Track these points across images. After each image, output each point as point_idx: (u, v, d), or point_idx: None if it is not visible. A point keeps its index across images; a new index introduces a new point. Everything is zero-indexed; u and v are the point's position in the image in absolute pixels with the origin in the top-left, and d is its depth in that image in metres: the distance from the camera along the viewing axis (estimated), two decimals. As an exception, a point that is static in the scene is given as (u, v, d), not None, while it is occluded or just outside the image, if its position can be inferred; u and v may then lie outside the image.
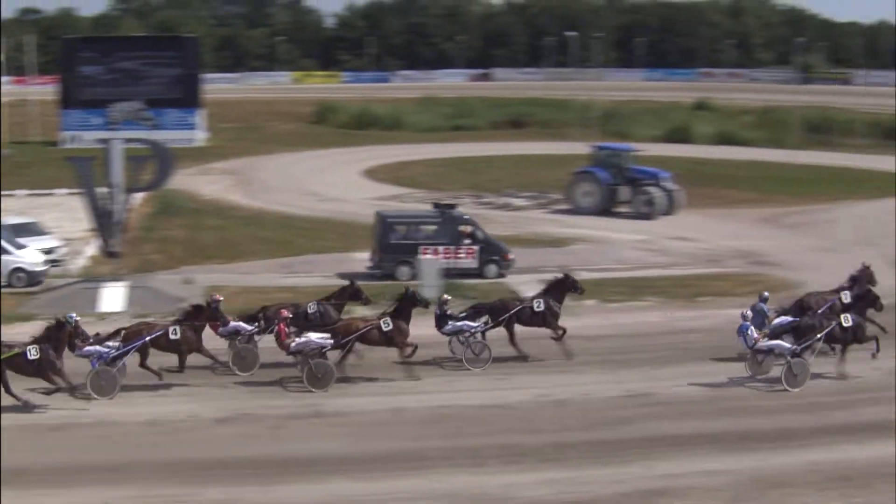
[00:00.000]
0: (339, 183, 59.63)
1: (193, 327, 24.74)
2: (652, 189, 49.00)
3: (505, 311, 26.80)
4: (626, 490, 19.04)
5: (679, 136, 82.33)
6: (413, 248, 35.50)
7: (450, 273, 33.99)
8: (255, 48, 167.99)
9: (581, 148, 57.44)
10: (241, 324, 26.18)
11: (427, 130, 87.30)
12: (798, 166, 66.88)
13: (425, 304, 26.37)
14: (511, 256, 36.60)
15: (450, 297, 27.50)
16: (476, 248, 36.21)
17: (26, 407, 22.71)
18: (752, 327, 24.92)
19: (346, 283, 28.83)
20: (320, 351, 24.49)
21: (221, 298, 26.02)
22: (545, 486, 19.18)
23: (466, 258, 36.07)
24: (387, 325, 25.19)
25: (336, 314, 27.06)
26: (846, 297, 27.65)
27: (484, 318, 26.76)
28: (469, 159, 70.25)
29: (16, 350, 22.76)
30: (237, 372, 25.32)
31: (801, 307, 27.14)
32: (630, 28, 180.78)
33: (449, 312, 26.66)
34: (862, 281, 28.58)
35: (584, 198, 50.33)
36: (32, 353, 22.74)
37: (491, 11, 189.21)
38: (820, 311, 26.40)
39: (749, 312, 25.21)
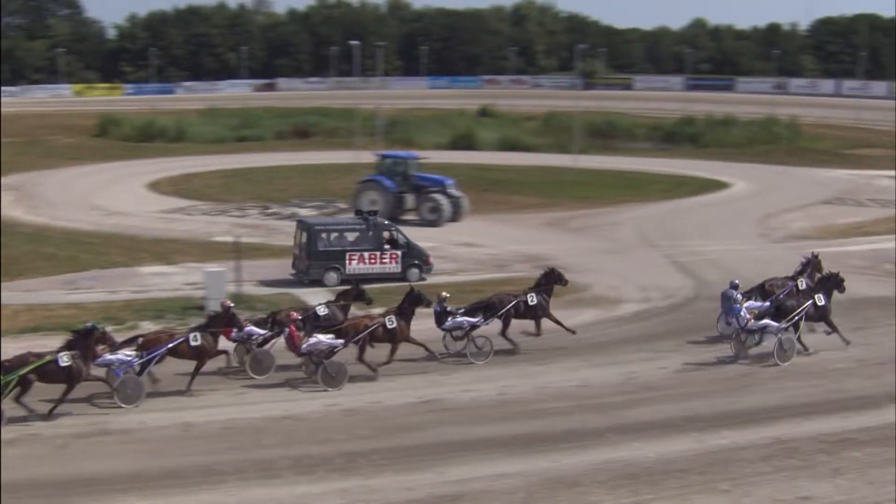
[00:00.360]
0: (123, 197, 58.32)
1: (212, 334, 25.49)
2: (437, 196, 49.89)
3: (502, 307, 28.70)
4: (419, 497, 19.31)
5: (464, 142, 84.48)
6: (340, 254, 37.15)
7: (374, 278, 35.96)
8: (34, 60, 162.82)
9: (366, 157, 58.14)
10: (255, 328, 26.91)
11: (212, 142, 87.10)
12: (581, 170, 69.29)
13: (427, 303, 27.78)
14: (431, 261, 38.41)
15: (448, 295, 28.86)
16: (399, 253, 37.85)
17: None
18: (745, 309, 28.20)
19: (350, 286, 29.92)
20: (332, 351, 25.64)
21: (233, 304, 26.51)
22: (337, 495, 19.26)
23: (390, 263, 37.76)
24: (391, 322, 26.72)
25: (342, 315, 28.07)
26: (802, 283, 30.87)
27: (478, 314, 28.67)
28: (255, 170, 70.24)
29: (48, 358, 23.07)
30: (253, 375, 26.14)
31: (763, 292, 30.40)
32: (414, 36, 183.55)
33: (448, 309, 28.31)
34: (812, 268, 31.84)
35: (369, 206, 50.49)
36: (64, 360, 23.10)
37: (274, 21, 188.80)
38: (781, 294, 29.87)
39: (731, 292, 28.57)
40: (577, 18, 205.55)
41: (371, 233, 37.87)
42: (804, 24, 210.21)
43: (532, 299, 29.20)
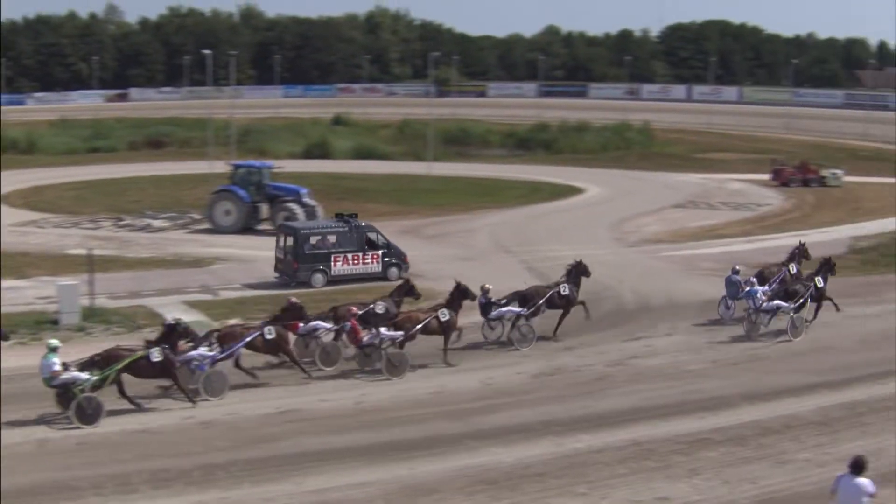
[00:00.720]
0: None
1: (284, 327, 27.18)
2: (292, 205, 49.57)
3: (539, 297, 31.20)
4: (277, 508, 19.28)
5: (318, 151, 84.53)
6: (326, 256, 39.09)
7: (357, 278, 38.81)
8: None
9: (220, 166, 57.54)
10: (320, 323, 28.64)
11: (64, 153, 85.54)
12: (436, 178, 69.67)
13: (472, 296, 29.94)
14: (408, 260, 40.52)
15: (491, 287, 30.98)
16: (379, 253, 39.89)
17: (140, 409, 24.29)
18: (761, 290, 31.76)
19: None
20: (394, 342, 27.67)
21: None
22: (193, 508, 19.12)
23: (372, 263, 39.82)
24: (444, 315, 28.80)
25: (396, 309, 30.18)
26: (794, 268, 34.93)
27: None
28: (108, 181, 69.17)
29: (139, 353, 24.39)
30: (323, 367, 27.73)
31: (762, 277, 33.74)
32: (267, 45, 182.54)
33: (493, 300, 30.71)
34: (800, 255, 36.05)
35: (224, 217, 50.35)
36: (156, 356, 24.43)
37: (125, 30, 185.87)
38: (776, 280, 33.71)
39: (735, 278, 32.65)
40: (431, 26, 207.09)
41: (353, 235, 39.82)
42: (656, 30, 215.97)
43: (564, 289, 31.84)
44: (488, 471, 20.85)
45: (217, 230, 49.95)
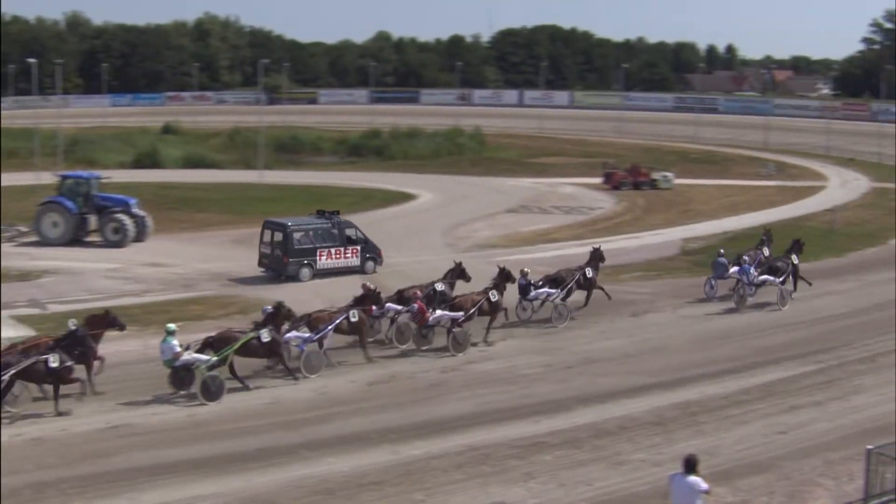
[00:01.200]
0: None
1: (364, 311, 30.18)
2: (121, 216, 48.74)
3: (571, 278, 35.27)
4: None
5: (147, 161, 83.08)
6: (312, 251, 41.49)
7: (339, 271, 41.42)
8: None
9: (47, 178, 56.03)
10: (393, 305, 31.92)
11: None
12: (268, 186, 69.12)
13: (513, 279, 33.32)
14: (383, 254, 43.38)
15: (528, 270, 35.38)
16: (358, 248, 42.49)
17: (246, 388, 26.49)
18: (752, 267, 37.46)
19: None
20: (457, 322, 30.89)
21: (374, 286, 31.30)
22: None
23: (352, 257, 42.33)
24: (494, 296, 32.05)
25: (451, 291, 33.44)
26: (766, 251, 40.36)
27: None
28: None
29: (251, 334, 26.99)
30: (397, 345, 31.11)
31: (739, 259, 38.61)
32: (94, 53, 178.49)
33: (532, 282, 34.52)
34: (769, 240, 41.52)
35: (51, 229, 49.21)
36: (266, 337, 27.15)
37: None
38: (756, 262, 38.67)
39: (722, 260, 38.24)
40: (261, 33, 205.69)
41: (335, 230, 42.34)
42: (487, 35, 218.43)
43: (589, 272, 36.11)
44: (325, 481, 20.89)
45: (45, 242, 48.72)
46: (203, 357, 26.21)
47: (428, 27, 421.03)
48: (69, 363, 25.31)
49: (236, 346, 26.66)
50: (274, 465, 21.77)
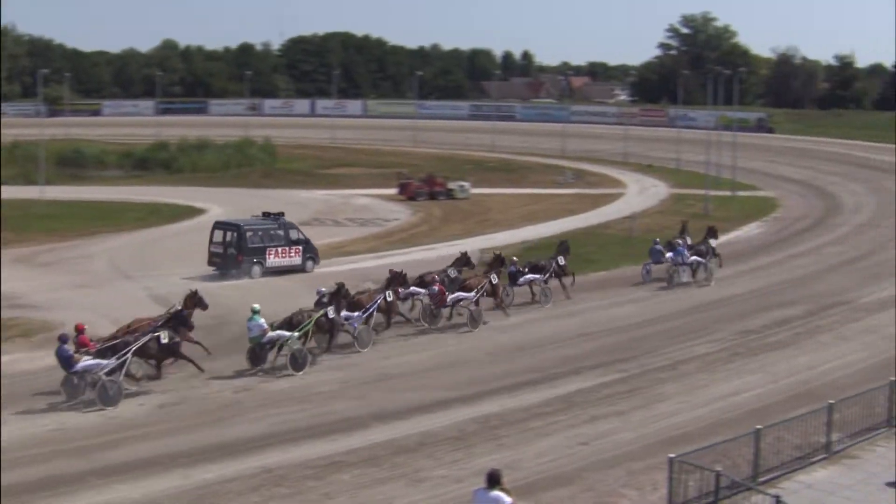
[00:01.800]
0: None
1: (396, 292, 35.56)
2: None
3: (549, 266, 41.41)
4: None
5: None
6: (262, 250, 45.56)
7: (284, 269, 45.60)
8: None
9: None
10: (416, 288, 37.32)
11: None
12: (50, 202, 67.10)
13: (507, 264, 39.98)
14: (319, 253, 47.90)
15: (517, 258, 42.16)
16: (301, 248, 46.70)
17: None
18: (686, 250, 45.18)
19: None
20: (470, 302, 36.61)
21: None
22: None
23: (295, 256, 46.44)
24: (495, 279, 37.96)
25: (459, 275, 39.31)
26: (688, 239, 46.97)
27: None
28: None
29: (321, 312, 31.82)
30: (426, 324, 36.29)
31: (671, 245, 45.63)
32: None
33: (519, 269, 40.86)
34: (685, 228, 48.77)
35: None
36: (331, 314, 32.02)
37: None
38: (684, 246, 45.82)
39: (658, 247, 45.56)
40: (40, 42, 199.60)
41: (281, 231, 46.49)
42: (277, 43, 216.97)
43: (562, 261, 42.03)
44: (112, 510, 20.28)
45: None
46: (287, 333, 30.60)
47: (216, 35, 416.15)
48: (177, 339, 29.08)
49: (311, 322, 31.25)
50: (60, 493, 21.10)
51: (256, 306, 30.87)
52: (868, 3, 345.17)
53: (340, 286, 33.15)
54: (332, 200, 72.08)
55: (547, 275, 41.32)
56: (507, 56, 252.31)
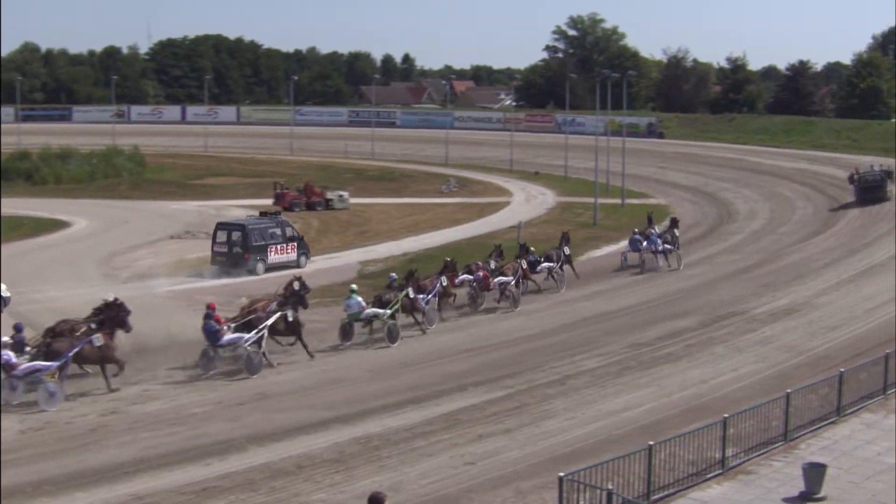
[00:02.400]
0: None
1: (451, 278, 41.98)
2: None
3: (557, 257, 48.43)
4: None
5: None
6: (264, 248, 51.07)
7: (282, 265, 50.52)
8: None
9: None
10: (467, 276, 43.53)
11: None
12: None
13: (530, 254, 47.35)
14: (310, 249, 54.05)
15: (534, 249, 48.31)
16: (295, 244, 52.47)
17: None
18: (658, 239, 52.98)
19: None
20: (510, 285, 43.81)
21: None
22: None
23: (291, 253, 52.13)
24: (524, 264, 45.60)
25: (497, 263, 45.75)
26: (657, 229, 55.18)
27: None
28: None
29: (405, 292, 37.92)
30: (470, 308, 42.89)
31: (645, 235, 53.40)
32: None
33: (537, 259, 47.61)
34: (651, 220, 56.82)
35: None
36: (412, 294, 38.23)
37: None
38: (658, 232, 54.56)
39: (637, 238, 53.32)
40: None
41: (279, 229, 52.10)
42: (145, 47, 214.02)
43: (567, 250, 49.69)
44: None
45: None
46: (381, 311, 36.82)
47: (80, 38, 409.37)
48: (299, 317, 34.73)
49: (399, 301, 37.38)
50: None
51: (354, 286, 38.06)
52: (759, 3, 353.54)
53: (412, 272, 39.80)
54: (205, 212, 71.38)
55: (559, 263, 48.14)
56: (388, 60, 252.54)
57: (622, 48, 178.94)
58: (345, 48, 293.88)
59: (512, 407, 29.11)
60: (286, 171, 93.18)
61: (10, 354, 28.90)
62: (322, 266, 51.89)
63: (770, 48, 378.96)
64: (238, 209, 72.42)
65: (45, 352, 29.53)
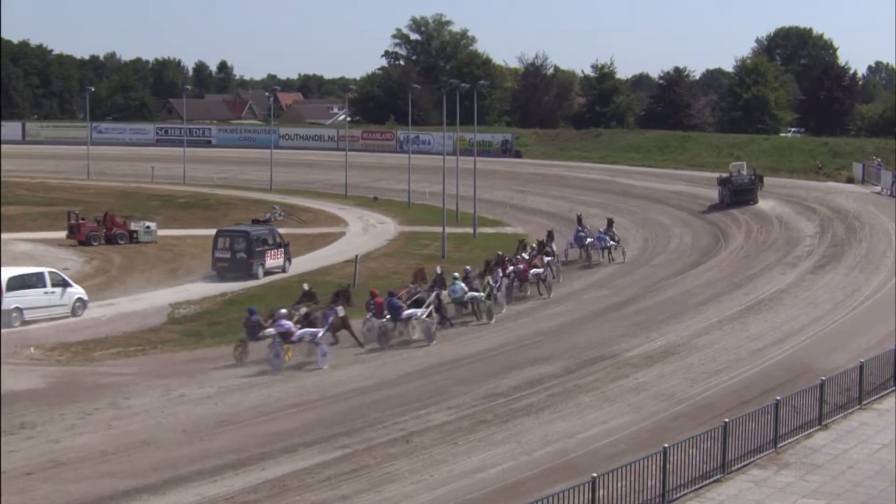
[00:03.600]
0: None
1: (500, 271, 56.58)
2: None
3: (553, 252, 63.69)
4: None
5: None
6: (263, 253, 62.28)
7: (274, 270, 63.11)
8: None
9: None
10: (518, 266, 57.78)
11: None
12: None
13: (548, 252, 62.38)
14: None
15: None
16: (283, 250, 63.95)
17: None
18: (606, 236, 68.62)
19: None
20: (542, 275, 58.29)
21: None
22: None
23: (280, 258, 63.76)
24: (549, 256, 61.43)
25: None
26: (603, 228, 69.31)
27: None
28: None
29: (486, 280, 51.73)
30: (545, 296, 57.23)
31: (580, 223, 70.57)
32: None
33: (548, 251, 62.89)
34: (610, 225, 70.65)
35: None
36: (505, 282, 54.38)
37: None
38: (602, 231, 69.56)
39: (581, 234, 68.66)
40: None
41: (271, 235, 64.25)
42: None
43: (554, 246, 64.84)
44: None
45: None
46: (479, 294, 50.81)
47: None
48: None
49: (488, 285, 51.09)
50: None
51: (456, 274, 51.55)
52: (623, 3, 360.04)
53: (501, 256, 56.66)
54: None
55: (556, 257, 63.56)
56: (201, 68, 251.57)
57: (472, 54, 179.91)
58: (150, 54, 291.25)
59: (349, 470, 29.04)
60: (83, 199, 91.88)
61: (289, 324, 41.10)
62: (125, 309, 51.22)
63: (641, 54, 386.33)
64: (25, 243, 71.07)
65: (306, 322, 42.14)
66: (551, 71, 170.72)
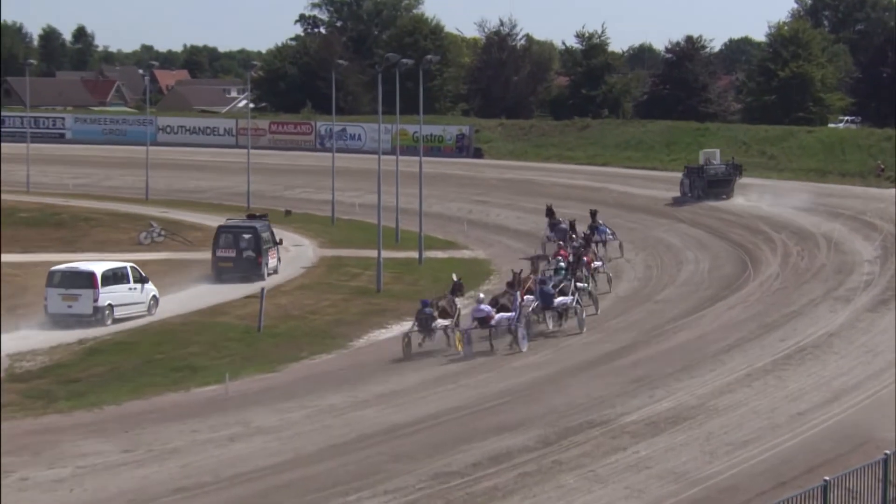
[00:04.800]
0: None
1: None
2: None
3: (577, 263, 68.75)
4: None
5: None
6: (267, 251, 73.60)
7: (273, 271, 75.05)
8: None
9: None
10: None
11: None
12: None
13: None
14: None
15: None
16: (277, 248, 76.07)
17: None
18: (608, 230, 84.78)
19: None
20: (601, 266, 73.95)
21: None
22: None
23: (275, 257, 75.47)
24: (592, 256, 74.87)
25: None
26: (589, 227, 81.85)
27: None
28: None
29: (532, 278, 62.64)
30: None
31: (572, 227, 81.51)
32: None
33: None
34: (596, 220, 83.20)
35: None
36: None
37: None
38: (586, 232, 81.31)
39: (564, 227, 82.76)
40: None
41: (269, 233, 75.29)
42: None
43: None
44: None
45: None
46: (568, 298, 59.96)
47: None
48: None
49: (575, 287, 61.48)
50: None
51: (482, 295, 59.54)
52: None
53: (584, 243, 72.72)
54: None
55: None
56: (51, 36, 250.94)
57: (417, 20, 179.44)
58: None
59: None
60: None
61: (489, 308, 54.63)
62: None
63: (642, 19, 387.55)
64: None
65: (498, 307, 55.22)
66: (522, 42, 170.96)
